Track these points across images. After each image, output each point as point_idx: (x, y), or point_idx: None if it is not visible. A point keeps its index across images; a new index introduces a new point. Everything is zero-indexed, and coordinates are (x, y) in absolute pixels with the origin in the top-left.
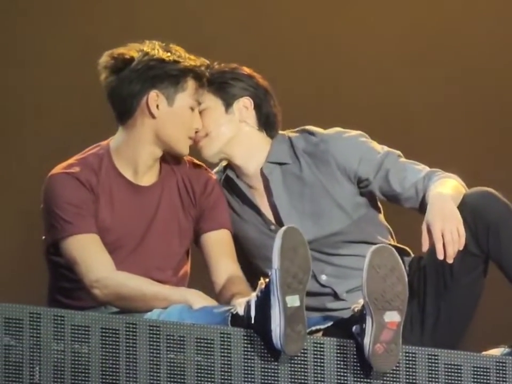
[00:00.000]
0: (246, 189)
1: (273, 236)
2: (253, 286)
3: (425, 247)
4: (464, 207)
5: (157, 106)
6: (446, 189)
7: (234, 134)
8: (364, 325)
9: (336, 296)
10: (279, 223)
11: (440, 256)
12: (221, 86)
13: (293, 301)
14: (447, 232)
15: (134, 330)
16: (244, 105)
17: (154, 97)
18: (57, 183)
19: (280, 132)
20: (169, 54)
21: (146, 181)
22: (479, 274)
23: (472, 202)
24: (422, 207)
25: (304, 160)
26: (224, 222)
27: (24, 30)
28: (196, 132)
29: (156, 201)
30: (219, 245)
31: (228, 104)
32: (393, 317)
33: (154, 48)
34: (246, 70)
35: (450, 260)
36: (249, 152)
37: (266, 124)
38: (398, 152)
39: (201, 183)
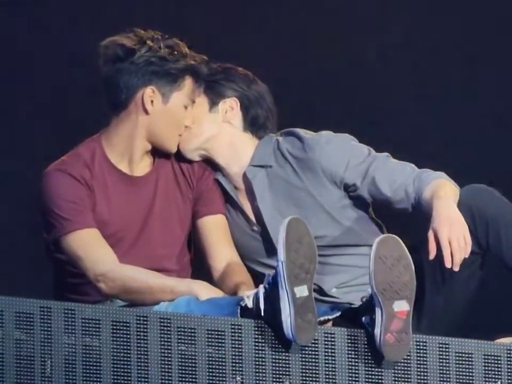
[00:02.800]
0: (230, 189)
1: (255, 237)
2: None
3: (432, 254)
4: (461, 206)
5: (152, 102)
6: (446, 193)
7: (215, 133)
8: (373, 315)
9: (321, 292)
10: (262, 225)
11: (448, 265)
12: (210, 85)
13: (302, 291)
14: (454, 240)
15: (145, 323)
16: (230, 106)
17: (149, 93)
18: (51, 181)
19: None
20: (171, 50)
21: (141, 171)
22: (476, 269)
23: (469, 201)
24: (415, 208)
25: (290, 164)
26: (221, 207)
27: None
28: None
29: (151, 190)
30: (217, 229)
31: (213, 103)
32: (402, 306)
33: (158, 43)
34: (241, 71)
35: (456, 268)
36: (231, 152)
37: (253, 126)
38: (386, 154)
39: (197, 166)
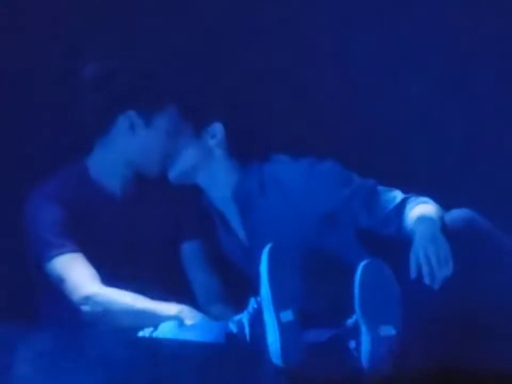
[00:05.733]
0: (216, 212)
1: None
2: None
3: (414, 273)
4: (444, 231)
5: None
6: (429, 214)
7: (200, 159)
8: (360, 340)
9: None
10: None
11: (427, 280)
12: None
13: (287, 315)
14: (434, 258)
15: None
16: (214, 131)
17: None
18: (32, 205)
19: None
20: None
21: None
22: None
23: (451, 230)
24: (399, 234)
25: (272, 194)
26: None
27: None
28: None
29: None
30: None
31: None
32: (388, 331)
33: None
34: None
35: (436, 285)
36: (216, 177)
37: (238, 149)
38: (371, 181)
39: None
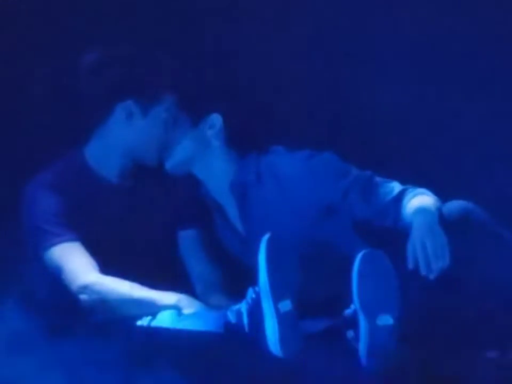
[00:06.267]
0: (213, 203)
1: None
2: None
3: (411, 264)
4: (441, 222)
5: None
6: (427, 205)
7: (197, 150)
8: (358, 329)
9: None
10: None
11: (424, 271)
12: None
13: (285, 305)
14: (431, 249)
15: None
16: (212, 122)
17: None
18: (29, 195)
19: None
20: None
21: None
22: None
23: (449, 221)
24: (397, 225)
25: (269, 185)
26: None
27: None
28: None
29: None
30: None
31: (194, 120)
32: (386, 321)
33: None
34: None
35: (432, 276)
36: (213, 169)
37: (236, 140)
38: (369, 172)
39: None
